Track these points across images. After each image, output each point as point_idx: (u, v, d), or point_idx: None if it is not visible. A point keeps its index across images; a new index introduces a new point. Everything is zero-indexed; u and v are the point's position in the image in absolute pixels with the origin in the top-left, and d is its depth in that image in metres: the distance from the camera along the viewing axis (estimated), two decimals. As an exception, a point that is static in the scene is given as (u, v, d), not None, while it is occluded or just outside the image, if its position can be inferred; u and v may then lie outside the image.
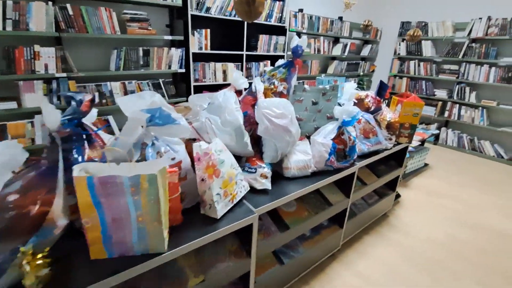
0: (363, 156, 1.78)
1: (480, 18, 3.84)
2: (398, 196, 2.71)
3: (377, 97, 1.95)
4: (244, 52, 3.18)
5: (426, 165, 3.52)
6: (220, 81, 3.08)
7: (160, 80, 2.73)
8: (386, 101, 2.26)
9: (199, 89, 3.04)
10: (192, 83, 2.89)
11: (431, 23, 4.33)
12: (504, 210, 2.62)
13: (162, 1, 2.50)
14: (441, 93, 4.41)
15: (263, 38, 3.30)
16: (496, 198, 2.86)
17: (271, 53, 3.46)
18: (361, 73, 5.25)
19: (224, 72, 3.10)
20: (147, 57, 2.59)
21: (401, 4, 4.88)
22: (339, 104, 1.64)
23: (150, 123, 1.08)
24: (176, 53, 2.72)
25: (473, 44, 3.96)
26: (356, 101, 2.01)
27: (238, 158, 1.36)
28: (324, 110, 1.66)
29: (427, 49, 4.44)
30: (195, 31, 2.77)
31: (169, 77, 2.88)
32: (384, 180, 2.13)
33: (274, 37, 3.41)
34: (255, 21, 3.15)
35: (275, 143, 1.35)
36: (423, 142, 3.43)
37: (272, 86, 1.49)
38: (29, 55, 2.05)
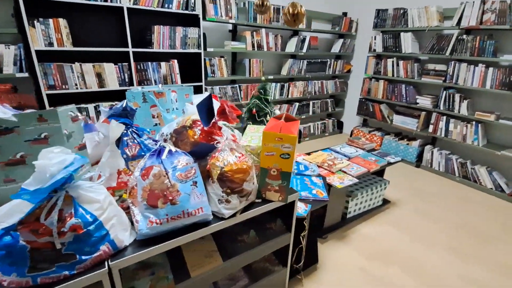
0: (154, 239, 0.93)
1: (473, 1, 2.80)
2: (314, 260, 1.81)
3: (205, 126, 1.10)
4: (130, 49, 2.39)
5: (386, 202, 2.57)
6: (94, 87, 2.31)
7: (-12, 88, 2.00)
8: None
9: (58, 98, 2.30)
10: (45, 91, 2.14)
11: (411, 10, 3.31)
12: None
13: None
14: (424, 101, 3.38)
15: (160, 30, 2.49)
16: (481, 270, 1.86)
17: (179, 50, 2.64)
18: (331, 74, 4.29)
19: (99, 75, 2.32)
20: (-43, 56, 1.87)
21: (379, -13, 3.87)
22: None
23: None
24: (9, 52, 1.98)
25: (465, 37, 2.92)
26: (175, 134, 1.17)
27: None
28: (32, 159, 0.84)
29: (407, 43, 3.42)
30: (35, 21, 2.01)
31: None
32: (240, 263, 1.26)
33: (179, 28, 2.58)
34: (145, 7, 2.34)
35: None
36: (381, 172, 2.48)
37: None
38: None
